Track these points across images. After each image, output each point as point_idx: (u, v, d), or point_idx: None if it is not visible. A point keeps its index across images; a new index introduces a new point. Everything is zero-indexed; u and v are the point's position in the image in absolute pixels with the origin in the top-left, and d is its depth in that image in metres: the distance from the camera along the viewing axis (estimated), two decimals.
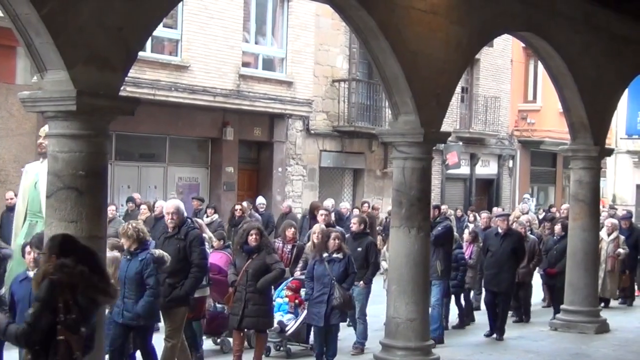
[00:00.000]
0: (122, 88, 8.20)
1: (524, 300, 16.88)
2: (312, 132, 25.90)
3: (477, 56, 26.57)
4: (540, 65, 23.22)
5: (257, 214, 20.38)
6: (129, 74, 8.63)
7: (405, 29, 11.30)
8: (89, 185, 7.73)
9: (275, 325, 12.38)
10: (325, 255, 12.05)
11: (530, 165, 36.36)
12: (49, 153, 7.92)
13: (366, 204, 23.06)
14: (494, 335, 14.76)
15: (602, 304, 17.72)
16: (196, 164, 23.81)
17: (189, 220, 11.34)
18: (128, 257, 10.23)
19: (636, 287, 19.89)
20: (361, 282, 12.99)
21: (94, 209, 7.78)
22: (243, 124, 23.65)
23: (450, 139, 23.56)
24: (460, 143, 31.36)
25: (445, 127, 14.77)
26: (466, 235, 16.76)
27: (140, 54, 9.95)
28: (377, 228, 21.87)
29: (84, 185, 7.69)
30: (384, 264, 14.15)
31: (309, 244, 13.44)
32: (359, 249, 13.13)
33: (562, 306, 16.20)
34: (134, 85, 19.09)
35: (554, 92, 16.00)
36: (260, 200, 21.65)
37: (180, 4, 19.23)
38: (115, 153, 20.97)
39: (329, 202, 21.20)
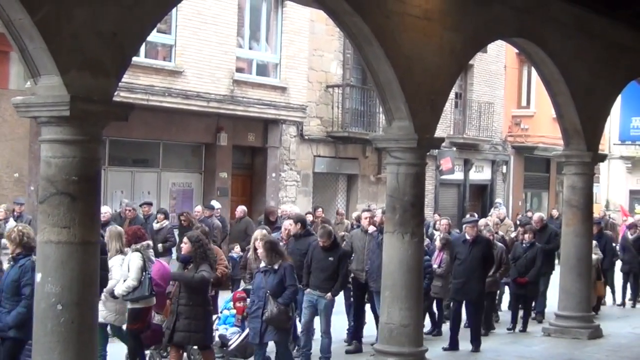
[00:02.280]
0: (115, 93, 8.20)
1: (487, 311, 15.81)
2: (306, 137, 25.89)
3: (470, 62, 26.63)
4: (533, 71, 23.24)
5: (217, 220, 20.00)
6: (123, 79, 8.63)
7: (399, 34, 11.32)
8: (82, 190, 7.72)
9: (216, 339, 11.91)
10: (261, 265, 11.49)
11: (523, 170, 36.40)
12: (42, 158, 7.91)
13: (320, 209, 22.27)
14: (471, 348, 14.14)
15: None
16: (190, 170, 23.77)
17: None
18: (11, 262, 9.68)
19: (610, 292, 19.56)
20: (328, 294, 12.62)
21: (87, 215, 7.76)
22: (237, 129, 23.63)
23: (444, 144, 23.66)
24: (454, 149, 31.38)
25: (439, 132, 14.78)
26: (437, 242, 15.90)
27: (134, 59, 9.94)
28: (342, 234, 21.19)
29: (77, 190, 7.68)
30: None
31: (251, 252, 13.06)
32: (331, 259, 12.73)
33: (555, 311, 16.22)
34: (128, 90, 19.06)
35: (547, 98, 16.04)
36: (216, 205, 21.02)
37: (174, 10, 19.23)
38: (109, 158, 20.92)
39: (286, 207, 21.00)
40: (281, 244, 12.96)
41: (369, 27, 10.89)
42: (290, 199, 25.06)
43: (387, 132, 12.12)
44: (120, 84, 8.40)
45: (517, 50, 20.09)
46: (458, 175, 32.41)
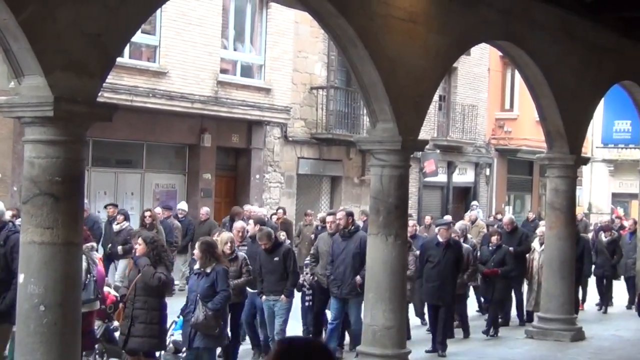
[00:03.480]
0: (99, 94, 8.18)
1: (461, 315, 15.81)
2: (290, 139, 25.89)
3: (454, 64, 26.66)
4: (517, 74, 23.32)
5: (176, 221, 19.80)
6: (107, 80, 8.61)
7: (384, 37, 11.34)
8: (65, 191, 7.70)
9: (170, 345, 11.58)
10: (195, 267, 11.15)
11: (507, 173, 36.50)
12: (25, 159, 7.88)
13: (281, 210, 22.18)
14: (439, 352, 13.97)
15: (530, 317, 17.41)
16: (173, 171, 23.73)
17: (10, 223, 10.42)
18: None
19: (580, 300, 18.96)
20: (282, 296, 12.44)
21: (70, 216, 7.74)
22: (221, 130, 23.61)
23: (427, 147, 23.65)
24: (438, 151, 31.44)
25: (423, 135, 14.81)
26: None
27: (118, 60, 9.91)
28: (312, 236, 20.44)
29: (60, 191, 7.66)
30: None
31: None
32: (276, 259, 12.53)
33: (538, 314, 16.26)
34: (112, 91, 19.01)
35: (530, 100, 16.10)
36: (181, 206, 20.93)
37: (158, 11, 19.19)
38: (92, 159, 20.86)
39: (251, 207, 20.73)
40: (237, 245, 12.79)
41: (353, 29, 10.90)
42: (274, 201, 25.06)
43: (371, 134, 12.14)
44: (104, 84, 8.39)
45: (500, 53, 20.13)
46: (441, 178, 32.47)
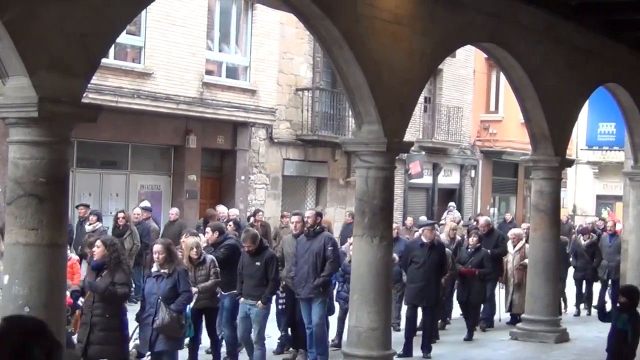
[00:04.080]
0: (84, 95, 8.15)
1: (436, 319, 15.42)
2: (276, 140, 25.89)
3: (440, 66, 26.69)
4: (502, 76, 23.39)
5: (153, 223, 19.43)
6: (92, 81, 8.58)
7: (369, 39, 11.34)
8: (49, 192, 7.67)
9: (132, 349, 11.28)
10: (153, 270, 10.84)
11: (492, 175, 36.59)
12: (9, 160, 7.85)
13: (260, 213, 22.03)
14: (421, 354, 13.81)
15: (511, 320, 17.41)
16: (158, 172, 23.68)
17: None
18: None
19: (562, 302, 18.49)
20: (259, 302, 12.06)
21: (54, 217, 7.72)
22: (206, 131, 23.59)
23: (413, 148, 23.67)
24: (423, 153, 31.47)
25: (408, 136, 14.78)
26: None
27: (103, 60, 9.88)
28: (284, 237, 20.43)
29: (44, 192, 7.64)
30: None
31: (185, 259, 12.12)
32: (257, 264, 12.14)
33: (522, 315, 16.29)
34: (96, 92, 18.94)
35: (515, 102, 16.13)
36: (142, 205, 20.23)
37: (143, 11, 19.14)
38: (77, 160, 20.80)
39: (222, 209, 20.48)
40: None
41: (338, 30, 10.90)
42: (259, 202, 25.05)
43: (356, 136, 12.14)
44: (89, 85, 8.36)
45: (486, 55, 20.18)
46: (427, 179, 32.52)
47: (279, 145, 26.07)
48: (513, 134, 33.85)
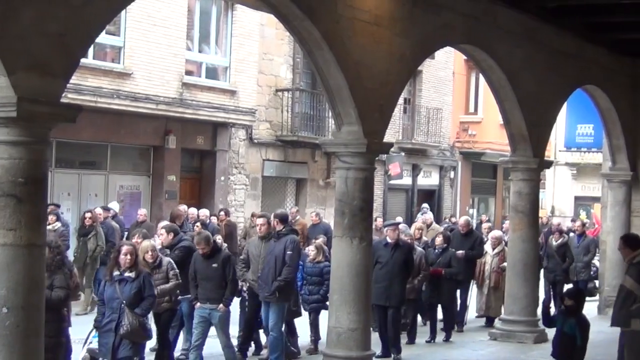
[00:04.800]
0: (63, 95, 8.12)
1: (412, 320, 15.42)
2: (255, 141, 25.87)
3: (419, 68, 26.77)
4: (481, 78, 23.49)
5: (115, 223, 18.91)
6: (71, 81, 8.55)
7: (349, 40, 11.36)
8: (28, 192, 7.64)
9: (84, 354, 11.05)
10: (115, 274, 10.40)
11: (471, 176, 36.71)
12: None
13: (223, 212, 21.90)
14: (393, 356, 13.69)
15: (486, 323, 17.40)
16: (138, 172, 23.61)
17: None
18: None
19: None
20: (221, 305, 11.88)
21: (33, 217, 7.69)
22: (186, 132, 23.54)
23: (392, 149, 23.69)
24: (403, 154, 31.56)
25: (388, 137, 14.83)
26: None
27: (82, 60, 9.86)
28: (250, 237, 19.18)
29: (23, 192, 7.60)
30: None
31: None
32: (214, 266, 11.93)
33: (501, 316, 16.35)
34: (76, 92, 18.88)
35: (494, 104, 16.18)
36: (113, 206, 20.10)
37: (123, 11, 19.09)
38: (56, 160, 20.72)
39: (184, 207, 19.95)
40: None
41: (319, 31, 10.91)
42: (239, 203, 25.03)
43: (336, 137, 12.16)
44: (68, 85, 8.33)
45: (465, 57, 20.26)
46: (406, 180, 32.60)
47: (259, 146, 26.06)
48: (492, 135, 33.98)
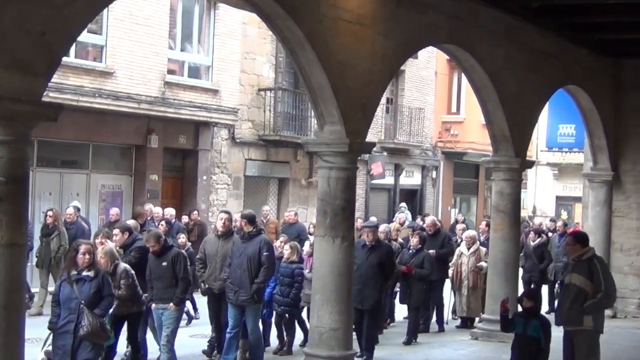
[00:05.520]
0: (44, 94, 8.09)
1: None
2: (238, 140, 25.84)
3: (402, 68, 26.81)
4: (463, 78, 23.54)
5: (84, 223, 18.79)
6: (52, 80, 8.52)
7: (332, 39, 11.36)
8: (9, 192, 7.60)
9: (42, 356, 10.79)
10: (73, 273, 10.12)
11: (453, 176, 36.80)
12: None
13: (195, 212, 21.87)
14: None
15: (465, 323, 17.26)
16: (120, 172, 23.53)
17: None
18: None
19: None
20: (171, 304, 11.66)
21: (14, 216, 7.65)
22: (168, 131, 23.48)
23: (375, 149, 23.78)
24: (385, 153, 31.60)
25: (370, 137, 14.82)
26: (306, 247, 14.67)
27: (64, 59, 9.81)
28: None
29: (4, 192, 7.57)
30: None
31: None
32: (164, 264, 11.71)
33: (483, 315, 16.37)
34: (57, 91, 18.80)
35: (477, 104, 16.22)
36: (76, 204, 19.50)
37: (105, 10, 19.04)
38: (37, 159, 20.60)
39: (148, 207, 19.98)
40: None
41: (301, 31, 10.91)
42: (221, 202, 24.99)
43: (318, 136, 12.16)
44: (49, 84, 8.30)
45: (447, 57, 20.28)
46: (389, 180, 32.64)
47: (241, 145, 26.03)
48: (474, 135, 34.06)
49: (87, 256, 10.11)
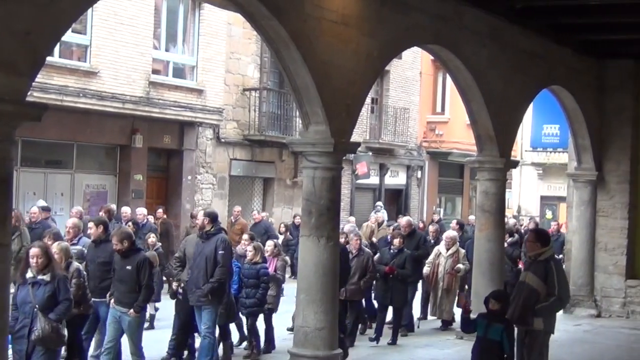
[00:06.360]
0: (29, 93, 8.06)
1: (353, 323, 14.85)
2: (223, 140, 25.83)
3: (386, 68, 26.86)
4: (448, 78, 23.59)
5: (53, 224, 17.87)
6: (36, 79, 8.49)
7: (317, 39, 11.36)
8: None
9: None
10: (30, 276, 9.83)
11: (438, 176, 36.87)
12: None
13: (160, 210, 21.76)
14: None
15: (442, 326, 17.03)
16: (104, 171, 23.50)
17: None
18: None
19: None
20: (131, 310, 11.22)
21: None
22: (152, 131, 23.46)
23: (360, 149, 23.75)
24: (370, 153, 31.63)
25: (355, 137, 14.85)
26: (269, 247, 14.43)
27: (48, 59, 9.78)
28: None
29: None
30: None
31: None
32: (128, 267, 11.28)
33: (467, 315, 16.32)
34: (41, 90, 18.77)
35: (461, 104, 16.24)
36: (40, 204, 19.00)
37: (89, 10, 19.00)
38: (21, 159, 20.57)
39: (113, 207, 19.64)
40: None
41: (286, 31, 10.90)
42: (206, 202, 24.97)
43: (303, 136, 12.15)
44: (33, 84, 8.27)
45: (432, 57, 20.29)
46: (374, 180, 32.68)
47: (226, 145, 26.02)
48: (459, 135, 34.14)
49: (35, 259, 9.77)
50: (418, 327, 17.04)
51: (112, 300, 11.48)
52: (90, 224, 12.74)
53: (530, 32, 16.35)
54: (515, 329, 10.62)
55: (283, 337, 14.60)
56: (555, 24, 16.71)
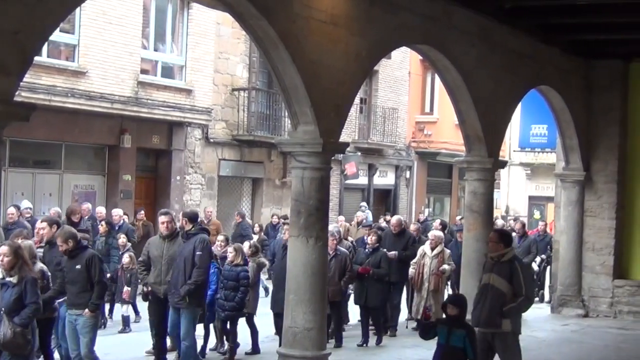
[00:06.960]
0: (17, 93, 8.04)
1: (336, 324, 14.81)
2: (211, 140, 25.81)
3: (375, 68, 26.88)
4: (437, 78, 23.57)
5: (26, 222, 17.50)
6: (24, 79, 8.46)
7: (306, 39, 11.36)
8: None
9: None
10: None
11: (426, 176, 36.93)
12: None
13: (142, 212, 21.66)
14: None
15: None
16: (93, 172, 23.45)
17: None
18: None
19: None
20: (86, 310, 10.84)
21: None
22: (141, 131, 23.42)
23: (348, 149, 23.81)
24: (359, 153, 31.65)
25: (344, 137, 14.80)
26: (245, 248, 14.10)
27: (36, 58, 9.75)
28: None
29: None
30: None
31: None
32: (77, 267, 10.85)
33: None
34: (30, 90, 18.73)
35: (450, 104, 16.24)
36: (27, 204, 18.90)
37: (78, 9, 18.96)
38: (9, 159, 20.49)
39: (85, 206, 19.36)
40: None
41: (275, 30, 10.89)
42: (195, 202, 24.94)
43: (292, 136, 12.14)
44: (21, 83, 8.24)
45: (421, 57, 20.34)
46: (362, 180, 32.70)
47: (215, 145, 26.00)
48: (448, 135, 34.20)
49: (1, 258, 9.55)
50: (407, 327, 16.95)
51: (65, 305, 11.14)
52: (43, 224, 12.39)
53: (519, 32, 16.37)
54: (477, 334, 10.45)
55: (269, 338, 14.70)
56: (544, 24, 16.74)
